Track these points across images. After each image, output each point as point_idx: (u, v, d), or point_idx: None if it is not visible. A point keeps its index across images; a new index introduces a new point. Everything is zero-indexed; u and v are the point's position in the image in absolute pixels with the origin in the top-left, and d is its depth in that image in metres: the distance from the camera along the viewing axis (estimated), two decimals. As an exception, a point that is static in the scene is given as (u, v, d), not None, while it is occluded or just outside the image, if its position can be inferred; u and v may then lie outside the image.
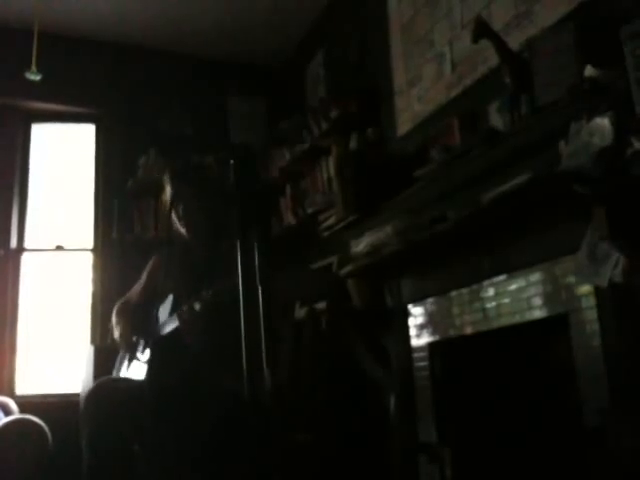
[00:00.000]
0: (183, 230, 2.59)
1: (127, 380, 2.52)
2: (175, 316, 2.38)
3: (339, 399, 3.28)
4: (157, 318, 2.54)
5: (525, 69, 2.36)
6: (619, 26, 1.90)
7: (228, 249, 2.05)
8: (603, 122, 1.79)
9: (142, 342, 2.57)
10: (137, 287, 2.79)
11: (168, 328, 2.43)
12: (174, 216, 2.59)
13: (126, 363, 2.61)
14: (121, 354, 2.70)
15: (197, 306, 2.27)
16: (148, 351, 2.50)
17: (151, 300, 2.63)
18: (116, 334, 2.64)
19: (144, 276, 2.79)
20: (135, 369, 2.52)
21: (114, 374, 2.68)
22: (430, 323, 2.92)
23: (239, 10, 4.69)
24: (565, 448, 2.33)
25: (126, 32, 4.91)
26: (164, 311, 2.50)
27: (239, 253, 1.80)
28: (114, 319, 2.70)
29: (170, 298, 2.48)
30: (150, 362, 2.44)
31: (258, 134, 5.17)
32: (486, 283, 2.57)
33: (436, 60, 3.32)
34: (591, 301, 2.07)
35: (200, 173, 2.66)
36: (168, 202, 2.60)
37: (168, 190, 2.62)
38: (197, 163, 2.86)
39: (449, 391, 2.85)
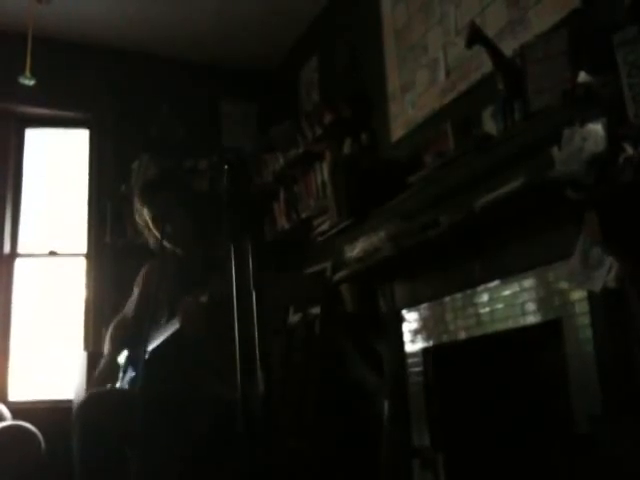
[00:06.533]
0: (171, 245, 2.56)
1: (120, 390, 2.50)
2: (171, 323, 2.36)
3: (332, 404, 3.28)
4: (147, 335, 2.50)
5: (518, 75, 2.37)
6: (611, 33, 1.91)
7: (223, 256, 2.03)
8: (596, 128, 1.79)
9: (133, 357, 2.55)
10: (130, 305, 2.76)
11: (163, 336, 2.40)
12: (157, 231, 2.56)
13: (121, 375, 2.58)
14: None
15: (203, 298, 2.25)
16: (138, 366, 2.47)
17: (144, 314, 2.59)
18: (101, 362, 2.62)
19: (135, 291, 2.76)
20: (127, 380, 2.51)
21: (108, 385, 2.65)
22: (424, 328, 2.92)
23: (234, 14, 4.69)
24: (557, 454, 2.33)
25: (120, 37, 4.91)
26: (157, 328, 2.48)
27: (233, 258, 1.80)
28: (107, 342, 2.68)
29: (164, 318, 2.45)
30: (142, 372, 2.42)
31: (251, 138, 5.17)
32: (480, 289, 2.57)
33: (430, 66, 3.33)
34: (584, 307, 2.07)
35: (177, 180, 2.63)
36: (149, 219, 2.57)
37: (144, 208, 2.58)
38: (171, 170, 2.83)
39: (443, 396, 2.84)
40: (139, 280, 2.76)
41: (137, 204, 2.60)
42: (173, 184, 2.65)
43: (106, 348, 2.66)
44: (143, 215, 2.59)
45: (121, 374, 2.58)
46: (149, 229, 2.59)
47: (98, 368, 2.60)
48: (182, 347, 2.37)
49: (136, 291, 2.74)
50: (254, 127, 5.29)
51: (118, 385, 2.56)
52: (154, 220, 2.54)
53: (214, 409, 2.26)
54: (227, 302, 1.80)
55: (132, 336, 2.57)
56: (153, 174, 2.67)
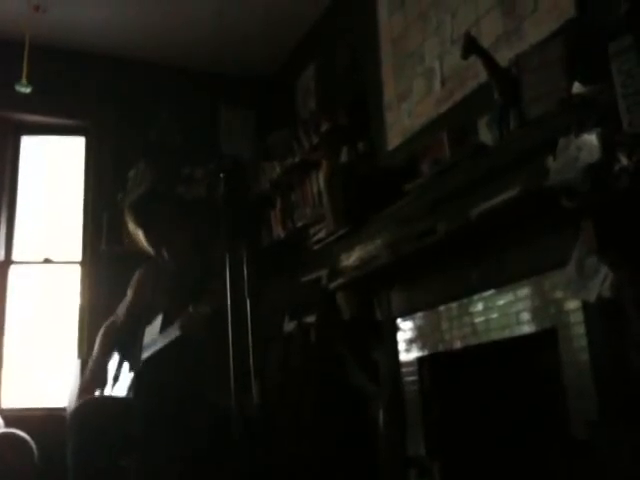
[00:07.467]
0: (165, 255, 2.57)
1: (113, 397, 2.49)
2: (167, 332, 2.36)
3: (328, 412, 3.27)
4: (141, 341, 2.50)
5: (514, 84, 2.37)
6: (606, 42, 1.92)
7: (218, 262, 2.04)
8: (591, 138, 1.80)
9: (125, 363, 2.54)
10: (122, 307, 2.76)
11: (160, 344, 2.40)
12: (148, 243, 2.59)
13: (111, 382, 2.57)
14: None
15: (205, 310, 2.26)
16: (132, 373, 2.47)
17: (138, 318, 2.60)
18: (90, 364, 2.61)
19: (129, 293, 2.76)
20: (120, 387, 2.49)
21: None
22: (419, 337, 2.92)
23: (232, 22, 4.70)
24: (554, 461, 2.33)
25: (117, 44, 4.92)
26: (150, 332, 2.47)
27: (227, 266, 1.80)
28: (97, 345, 2.67)
29: (157, 321, 2.45)
30: (139, 379, 2.42)
31: (249, 146, 5.17)
32: (475, 297, 2.57)
33: (426, 75, 3.34)
34: (579, 316, 2.07)
35: (171, 193, 2.65)
36: (143, 239, 2.60)
37: (138, 230, 2.61)
38: (165, 182, 2.86)
39: (438, 405, 2.84)
40: (133, 283, 2.75)
41: (129, 224, 2.62)
42: (167, 197, 2.66)
43: (95, 352, 2.65)
44: (138, 235, 2.61)
45: (111, 381, 2.57)
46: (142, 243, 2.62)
47: (86, 372, 2.60)
48: (181, 352, 2.37)
49: (130, 293, 2.75)
50: (253, 135, 5.29)
51: (109, 392, 2.55)
52: (148, 241, 2.56)
53: (212, 417, 2.26)
54: (226, 312, 1.81)
55: (123, 340, 2.57)
56: (143, 192, 2.69)
